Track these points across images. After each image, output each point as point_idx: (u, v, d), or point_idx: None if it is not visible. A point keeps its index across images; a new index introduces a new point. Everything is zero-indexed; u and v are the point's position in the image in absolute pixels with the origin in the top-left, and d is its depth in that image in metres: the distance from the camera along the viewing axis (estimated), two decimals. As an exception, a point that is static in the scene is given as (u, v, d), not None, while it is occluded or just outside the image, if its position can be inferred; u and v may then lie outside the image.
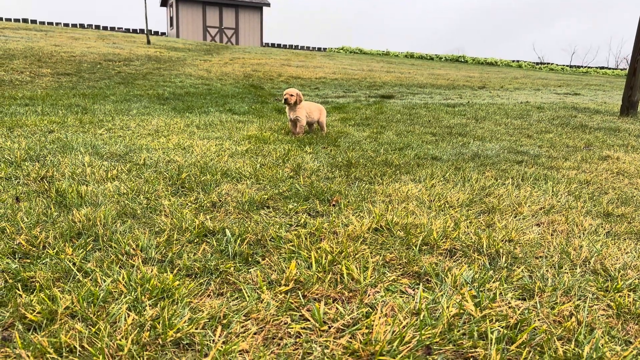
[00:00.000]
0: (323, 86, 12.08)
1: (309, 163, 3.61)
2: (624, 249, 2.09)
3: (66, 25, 31.13)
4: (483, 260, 1.86)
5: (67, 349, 1.12)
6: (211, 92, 9.65)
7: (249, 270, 1.61)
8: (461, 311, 1.41)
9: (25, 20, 30.43)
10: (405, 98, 10.48)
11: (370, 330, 1.27)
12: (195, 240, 1.84)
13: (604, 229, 2.37)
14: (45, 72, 10.87)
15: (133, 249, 1.66)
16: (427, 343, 1.25)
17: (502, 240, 2.12)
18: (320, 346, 1.20)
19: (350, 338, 1.25)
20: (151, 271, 1.50)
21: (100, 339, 1.14)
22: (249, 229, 1.99)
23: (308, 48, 34.32)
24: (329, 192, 2.78)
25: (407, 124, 6.17)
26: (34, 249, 1.66)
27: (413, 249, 1.92)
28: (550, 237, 2.22)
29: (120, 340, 1.13)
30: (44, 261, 1.55)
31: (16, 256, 1.60)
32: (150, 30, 33.63)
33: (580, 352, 1.23)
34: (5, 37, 15.89)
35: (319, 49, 33.78)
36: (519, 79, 17.86)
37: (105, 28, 32.44)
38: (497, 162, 3.97)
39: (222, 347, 1.16)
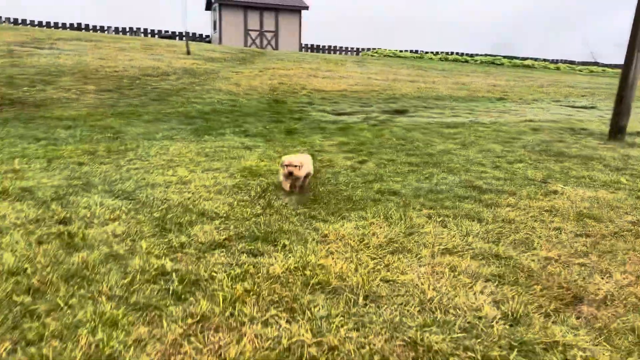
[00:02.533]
0: (342, 100, 12.82)
1: (280, 199, 4.41)
2: (475, 291, 2.79)
3: (116, 29, 32.93)
4: (350, 298, 2.62)
5: (45, 358, 1.98)
6: (234, 110, 10.57)
7: (177, 306, 2.44)
8: (300, 338, 2.19)
9: (79, 25, 32.41)
10: (416, 114, 11.09)
11: None
12: (152, 280, 2.68)
13: (473, 271, 3.06)
14: (90, 89, 12.10)
15: (105, 288, 2.52)
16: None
17: (382, 280, 2.87)
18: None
19: None
20: (110, 307, 2.35)
21: (66, 354, 1.99)
22: (194, 270, 2.82)
23: (345, 49, 34.95)
24: (279, 232, 3.58)
25: (395, 151, 6.86)
26: (43, 286, 2.54)
27: (306, 289, 2.70)
28: (425, 278, 2.94)
29: (76, 353, 1.98)
30: (46, 298, 2.43)
31: (30, 291, 2.48)
32: (195, 34, 35.19)
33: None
34: (58, 50, 17.38)
35: (356, 51, 34.39)
36: (545, 87, 18.02)
37: (152, 32, 34.06)
38: (443, 199, 4.65)
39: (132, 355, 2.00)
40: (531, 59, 33.79)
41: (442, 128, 9.03)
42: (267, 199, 4.41)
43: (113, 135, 7.41)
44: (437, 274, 3.01)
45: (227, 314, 2.38)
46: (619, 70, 27.00)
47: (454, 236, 3.68)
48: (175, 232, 3.44)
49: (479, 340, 2.27)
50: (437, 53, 32.35)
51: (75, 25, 32.42)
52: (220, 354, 2.06)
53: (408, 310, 2.52)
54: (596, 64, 37.78)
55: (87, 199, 4.07)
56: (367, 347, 2.17)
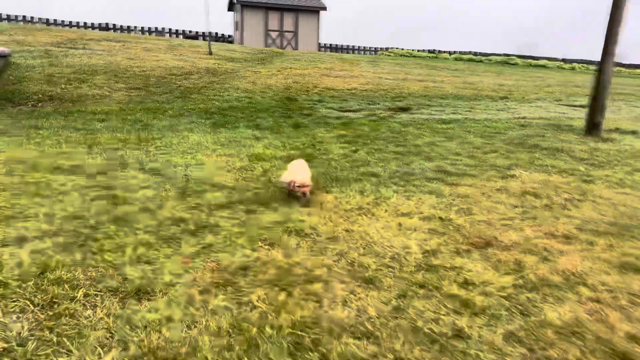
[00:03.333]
0: (351, 98, 13.79)
1: (277, 173, 5.43)
2: (410, 238, 3.76)
3: (142, 29, 34.37)
4: (316, 239, 3.61)
5: (106, 262, 3.03)
6: (250, 106, 11.63)
7: (191, 238, 3.47)
8: (274, 257, 3.20)
9: (107, 26, 33.93)
10: (417, 112, 12.00)
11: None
12: (174, 224, 3.73)
13: (415, 226, 4.02)
14: (120, 86, 13.30)
15: (141, 226, 3.57)
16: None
17: (343, 229, 3.86)
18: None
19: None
20: (146, 237, 3.39)
21: (119, 259, 3.04)
22: (204, 219, 3.86)
23: (364, 49, 35.80)
24: (272, 199, 4.59)
25: (386, 143, 7.82)
26: (98, 224, 3.60)
27: (285, 233, 3.71)
28: (376, 229, 3.92)
29: (125, 259, 3.04)
30: (101, 231, 3.49)
31: (89, 227, 3.55)
32: (217, 34, 36.52)
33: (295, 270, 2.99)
34: (91, 50, 18.70)
35: (374, 51, 35.21)
36: (551, 87, 18.68)
37: (177, 32, 35.40)
38: (414, 179, 5.59)
39: (163, 263, 3.04)
40: (546, 58, 34.21)
41: (436, 124, 9.93)
42: (267, 176, 5.43)
43: (142, 127, 8.52)
44: (387, 227, 3.98)
45: (226, 243, 3.41)
46: (634, 71, 27.25)
47: (411, 205, 4.64)
48: (193, 197, 4.49)
49: (398, 262, 3.25)
50: (452, 53, 33.01)
51: (104, 25, 34.00)
52: (218, 265, 3.08)
53: (355, 246, 3.51)
54: (617, 64, 38.02)
55: (124, 173, 5.15)
56: (319, 263, 3.16)
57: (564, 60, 36.77)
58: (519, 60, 31.53)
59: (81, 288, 2.62)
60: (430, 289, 2.90)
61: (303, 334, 2.31)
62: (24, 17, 31.39)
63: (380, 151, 7.14)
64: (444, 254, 3.47)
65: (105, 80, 13.77)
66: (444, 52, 33.71)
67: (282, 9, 34.97)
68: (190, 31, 35.82)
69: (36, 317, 2.32)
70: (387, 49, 34.12)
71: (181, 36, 34.63)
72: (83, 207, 3.99)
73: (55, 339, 2.15)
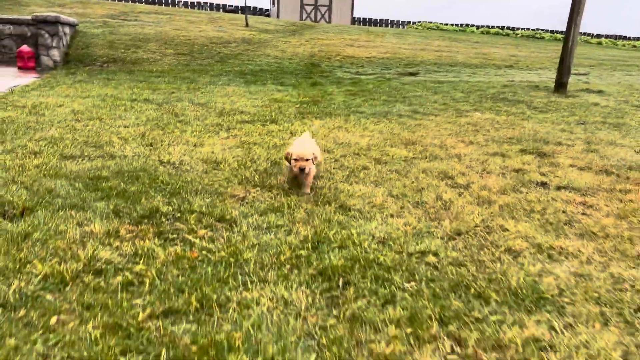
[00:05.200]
0: (368, 64, 15.68)
1: (288, 110, 7.53)
2: (365, 140, 5.80)
3: (185, 4, 36.68)
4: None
5: (176, 136, 5.22)
6: (277, 70, 13.71)
7: (224, 132, 5.64)
8: (273, 141, 5.33)
9: (153, 0, 36.33)
10: (424, 75, 13.83)
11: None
12: (215, 125, 5.90)
13: (373, 136, 6.05)
14: (169, 52, 15.57)
15: (194, 125, 5.76)
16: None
17: (322, 135, 5.93)
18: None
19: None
20: (197, 129, 5.58)
21: (173, 139, 5.24)
22: (233, 125, 6.02)
23: (396, 22, 37.21)
24: (280, 120, 6.71)
25: (382, 95, 9.78)
26: (167, 123, 5.81)
27: (283, 134, 5.82)
28: (344, 135, 5.97)
29: (187, 135, 5.23)
30: (171, 125, 5.69)
31: (163, 123, 5.76)
32: (256, 8, 38.59)
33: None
34: (142, 22, 21.07)
35: (406, 24, 36.56)
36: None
37: (217, 7, 37.58)
38: (389, 115, 7.60)
39: (208, 139, 5.21)
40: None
41: (431, 83, 11.79)
42: (280, 109, 7.55)
43: (190, 82, 10.73)
44: (352, 135, 6.04)
45: (246, 134, 5.56)
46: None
47: (377, 127, 6.66)
48: (226, 116, 6.66)
49: (348, 146, 5.32)
50: (479, 27, 34.07)
51: (150, 0, 36.51)
52: (240, 141, 5.22)
53: (326, 141, 5.60)
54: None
55: (180, 104, 7.38)
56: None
57: (597, 35, 37.35)
58: (545, 35, 32.36)
59: (165, 142, 4.83)
60: (360, 155, 4.98)
61: (279, 163, 4.45)
62: (79, -9, 34.06)
63: (374, 100, 9.13)
64: (381, 146, 5.51)
65: (157, 47, 16.08)
66: (473, 25, 34.77)
67: (317, -16, 36.54)
68: (230, 6, 37.99)
69: (144, 148, 4.54)
70: (415, 22, 35.43)
71: (221, 10, 36.85)
72: (157, 116, 6.23)
73: (153, 154, 4.36)
